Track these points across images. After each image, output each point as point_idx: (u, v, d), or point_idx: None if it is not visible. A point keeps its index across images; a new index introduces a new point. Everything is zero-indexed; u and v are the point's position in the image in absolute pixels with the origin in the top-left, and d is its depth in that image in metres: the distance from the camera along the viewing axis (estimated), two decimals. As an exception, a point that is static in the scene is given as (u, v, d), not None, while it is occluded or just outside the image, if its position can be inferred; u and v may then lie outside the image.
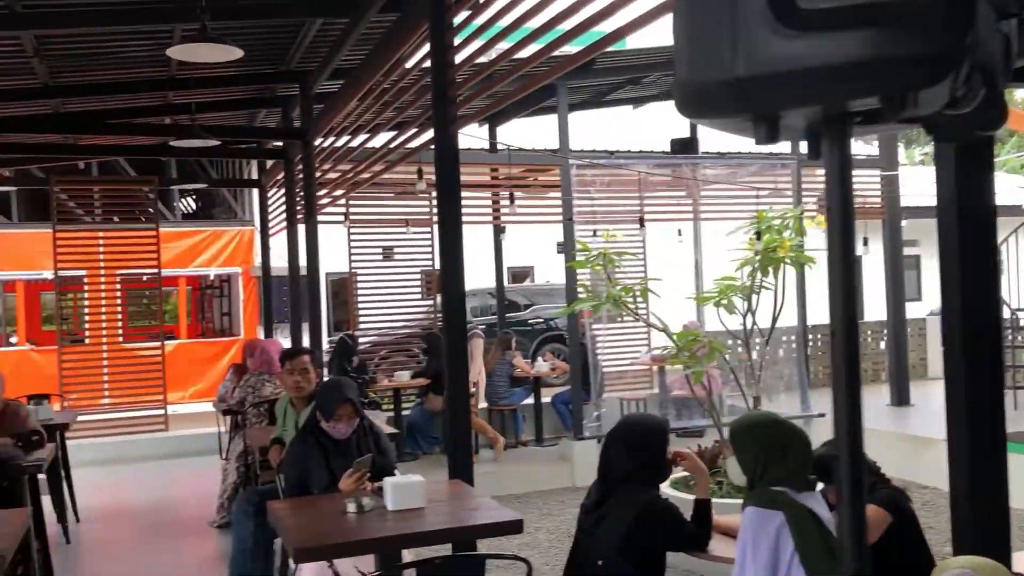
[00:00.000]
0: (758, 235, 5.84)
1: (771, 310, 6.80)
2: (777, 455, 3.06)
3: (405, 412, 9.58)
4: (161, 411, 10.88)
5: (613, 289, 6.62)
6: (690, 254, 11.52)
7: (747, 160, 10.80)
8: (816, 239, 6.55)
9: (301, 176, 8.68)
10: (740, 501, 3.89)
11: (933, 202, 3.10)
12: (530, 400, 10.25)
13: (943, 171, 3.07)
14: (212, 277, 17.65)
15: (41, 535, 5.34)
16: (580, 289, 7.34)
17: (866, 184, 11.09)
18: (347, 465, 3.93)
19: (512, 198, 9.48)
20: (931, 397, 11.62)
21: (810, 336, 12.79)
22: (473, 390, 8.72)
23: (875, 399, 11.86)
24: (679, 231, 9.91)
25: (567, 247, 8.84)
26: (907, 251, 19.35)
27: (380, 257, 10.99)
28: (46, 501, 6.13)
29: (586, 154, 9.78)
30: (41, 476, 5.84)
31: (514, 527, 3.11)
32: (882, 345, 13.98)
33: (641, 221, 7.92)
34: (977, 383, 3.81)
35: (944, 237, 3.84)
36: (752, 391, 6.83)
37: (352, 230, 10.35)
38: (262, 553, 4.70)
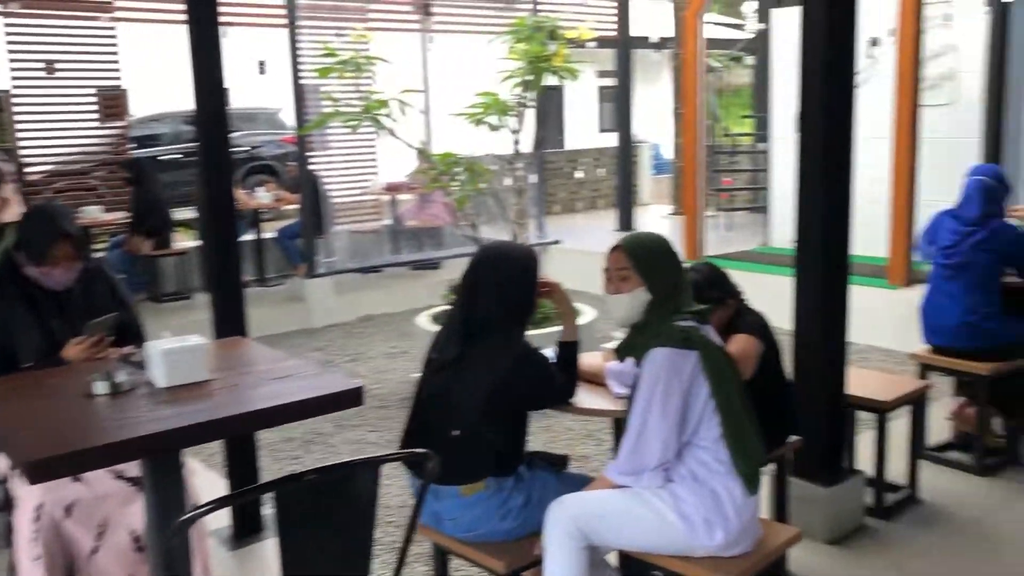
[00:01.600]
0: (552, 35, 5.11)
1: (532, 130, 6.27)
2: (684, 282, 2.48)
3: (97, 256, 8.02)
4: None
5: (370, 100, 5.66)
6: (416, 72, 10.56)
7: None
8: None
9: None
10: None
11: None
12: (249, 236, 9.07)
13: None
14: None
15: None
16: (326, 103, 6.24)
17: (601, 8, 10.68)
18: (72, 326, 2.82)
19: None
20: (649, 222, 11.99)
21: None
22: None
23: (599, 225, 12.04)
24: (431, 38, 8.93)
25: (294, 60, 7.57)
26: (606, 82, 19.86)
27: (45, 71, 8.89)
28: None
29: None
30: None
31: (352, 398, 2.26)
32: (598, 172, 14.18)
33: (427, 8, 6.74)
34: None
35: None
36: (518, 218, 6.31)
37: (9, 26, 8.21)
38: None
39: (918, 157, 7.10)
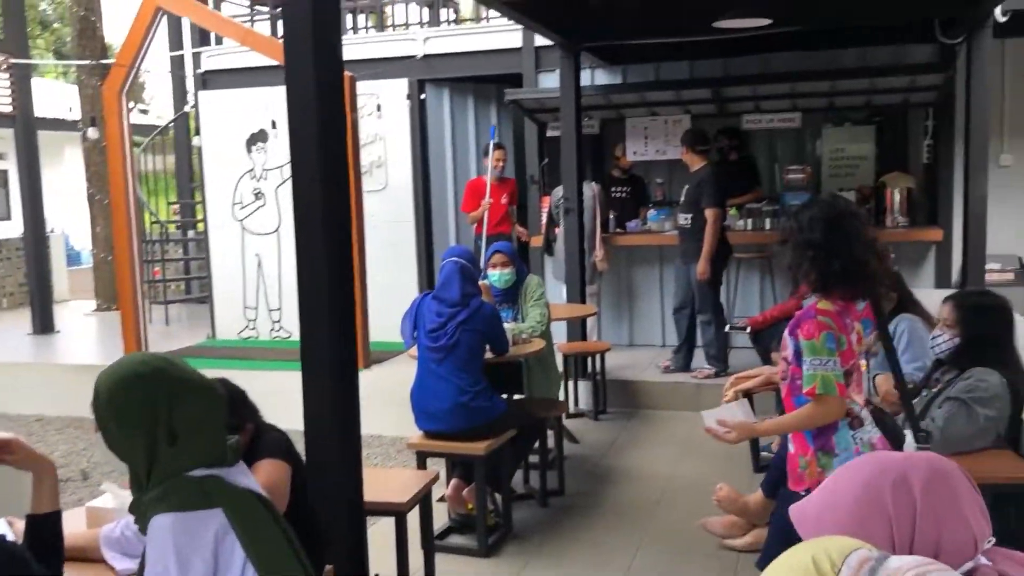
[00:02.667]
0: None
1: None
2: (189, 417, 1.87)
3: None
4: None
5: None
6: None
7: None
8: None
9: None
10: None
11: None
12: None
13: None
14: None
15: None
16: None
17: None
18: None
19: None
20: (72, 320, 10.50)
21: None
22: None
23: (6, 327, 10.19)
24: None
25: None
26: (-7, 165, 17.31)
27: None
28: None
29: None
30: None
31: None
32: (-1, 268, 12.15)
33: None
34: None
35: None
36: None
37: None
38: None
39: (363, 241, 7.23)
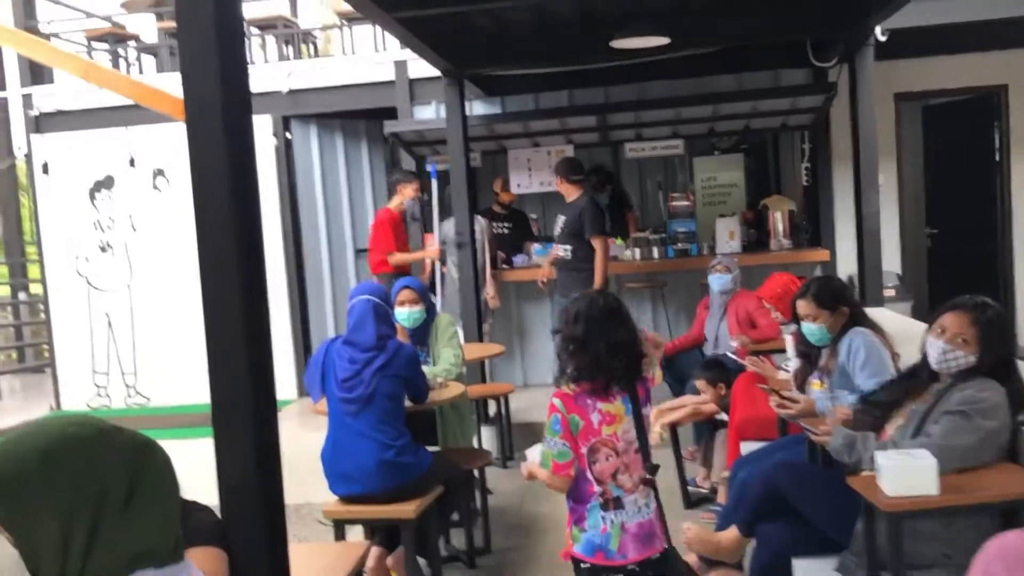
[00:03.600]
0: None
1: None
2: (148, 484, 1.40)
3: None
4: None
5: None
6: None
7: None
8: None
9: None
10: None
11: None
12: None
13: None
14: None
15: None
16: None
17: None
18: None
19: None
20: None
21: None
22: None
23: None
24: None
25: None
26: None
27: None
28: None
29: None
30: None
31: None
32: None
33: None
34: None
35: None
36: None
37: None
38: None
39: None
